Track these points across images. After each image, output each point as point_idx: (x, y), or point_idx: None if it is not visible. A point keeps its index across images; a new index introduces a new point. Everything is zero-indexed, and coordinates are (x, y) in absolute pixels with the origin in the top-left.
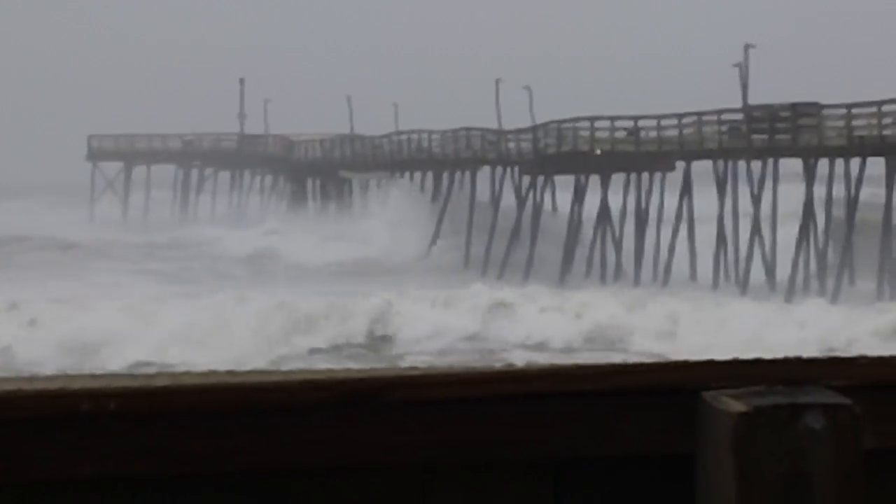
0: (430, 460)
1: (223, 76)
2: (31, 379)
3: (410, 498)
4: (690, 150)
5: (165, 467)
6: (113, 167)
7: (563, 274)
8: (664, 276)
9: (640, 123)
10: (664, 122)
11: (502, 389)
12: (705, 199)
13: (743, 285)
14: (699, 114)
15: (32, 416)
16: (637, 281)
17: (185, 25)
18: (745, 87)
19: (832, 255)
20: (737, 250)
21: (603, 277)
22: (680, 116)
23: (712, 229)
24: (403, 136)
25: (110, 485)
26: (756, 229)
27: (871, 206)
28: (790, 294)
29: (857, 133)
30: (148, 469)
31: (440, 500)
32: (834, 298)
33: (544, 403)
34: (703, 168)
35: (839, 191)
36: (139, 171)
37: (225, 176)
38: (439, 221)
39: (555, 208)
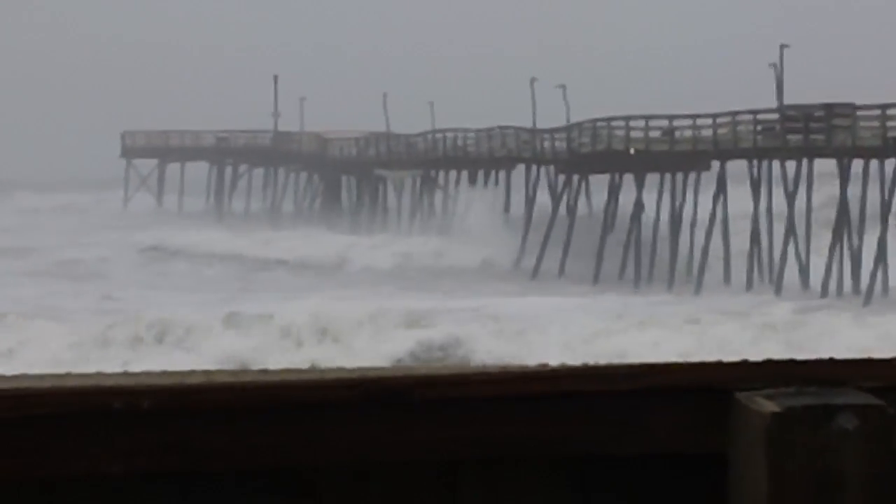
0: (459, 458)
1: (257, 75)
2: (65, 376)
3: (439, 496)
4: (725, 150)
5: (196, 464)
6: (147, 164)
7: (597, 274)
8: (698, 278)
9: (675, 123)
10: (699, 122)
11: (534, 388)
12: (740, 199)
13: (777, 286)
14: (733, 113)
15: (66, 413)
16: (671, 282)
17: (221, 25)
18: (779, 86)
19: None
20: (770, 250)
21: (637, 278)
22: (715, 116)
23: (746, 229)
24: (439, 135)
25: (141, 481)
26: (790, 229)
27: None
28: (823, 296)
29: (891, 134)
30: (179, 466)
31: (468, 498)
32: (867, 300)
33: (576, 402)
34: (736, 168)
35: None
36: (173, 169)
37: (259, 173)
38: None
39: (590, 207)
